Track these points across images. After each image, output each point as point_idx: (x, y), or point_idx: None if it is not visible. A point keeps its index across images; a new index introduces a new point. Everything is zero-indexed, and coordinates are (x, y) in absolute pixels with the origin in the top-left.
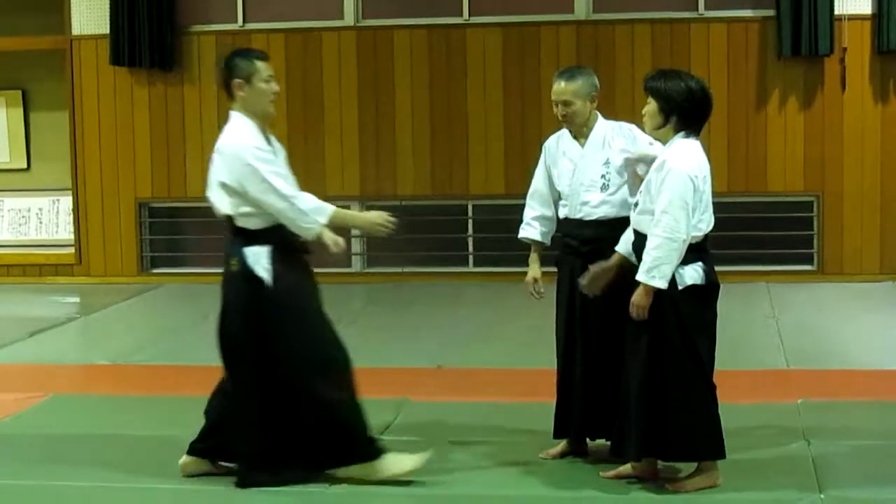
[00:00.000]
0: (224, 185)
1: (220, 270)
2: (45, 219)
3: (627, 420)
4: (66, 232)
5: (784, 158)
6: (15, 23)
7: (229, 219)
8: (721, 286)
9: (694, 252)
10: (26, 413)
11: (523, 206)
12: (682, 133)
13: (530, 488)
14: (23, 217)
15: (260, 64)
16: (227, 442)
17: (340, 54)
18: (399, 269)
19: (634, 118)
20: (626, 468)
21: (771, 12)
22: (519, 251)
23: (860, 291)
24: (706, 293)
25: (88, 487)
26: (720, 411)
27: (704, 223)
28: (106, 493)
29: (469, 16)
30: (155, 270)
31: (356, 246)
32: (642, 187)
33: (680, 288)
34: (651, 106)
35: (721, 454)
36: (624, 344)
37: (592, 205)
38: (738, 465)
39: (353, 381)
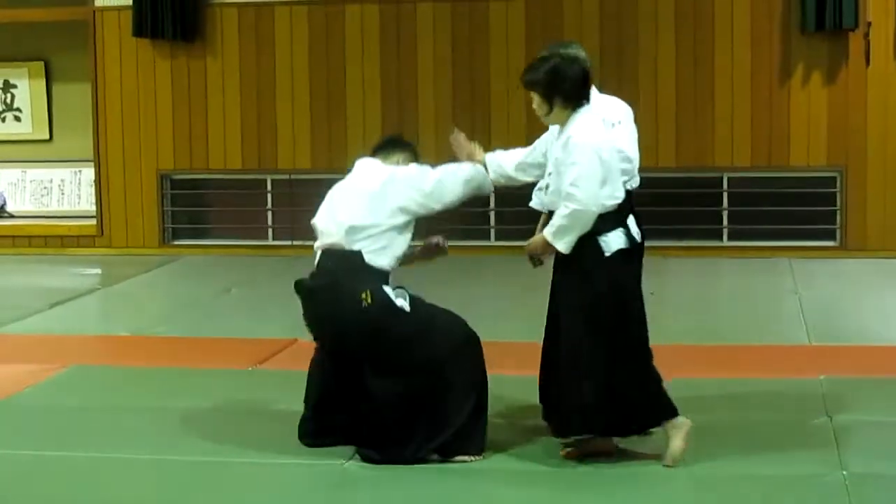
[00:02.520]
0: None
1: (242, 242)
2: (67, 190)
3: (568, 397)
4: (87, 203)
5: (808, 133)
6: None
7: (351, 255)
8: (743, 261)
9: (615, 218)
10: (47, 384)
11: None
12: (575, 109)
13: (540, 463)
14: (45, 188)
15: None
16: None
17: (363, 28)
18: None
19: (657, 88)
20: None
21: None
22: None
23: (883, 267)
24: (630, 256)
25: (108, 459)
26: (737, 387)
27: (621, 191)
28: (126, 465)
29: None
30: (176, 242)
31: None
32: (551, 168)
33: (607, 255)
34: (535, 99)
35: (672, 412)
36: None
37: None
38: (760, 440)
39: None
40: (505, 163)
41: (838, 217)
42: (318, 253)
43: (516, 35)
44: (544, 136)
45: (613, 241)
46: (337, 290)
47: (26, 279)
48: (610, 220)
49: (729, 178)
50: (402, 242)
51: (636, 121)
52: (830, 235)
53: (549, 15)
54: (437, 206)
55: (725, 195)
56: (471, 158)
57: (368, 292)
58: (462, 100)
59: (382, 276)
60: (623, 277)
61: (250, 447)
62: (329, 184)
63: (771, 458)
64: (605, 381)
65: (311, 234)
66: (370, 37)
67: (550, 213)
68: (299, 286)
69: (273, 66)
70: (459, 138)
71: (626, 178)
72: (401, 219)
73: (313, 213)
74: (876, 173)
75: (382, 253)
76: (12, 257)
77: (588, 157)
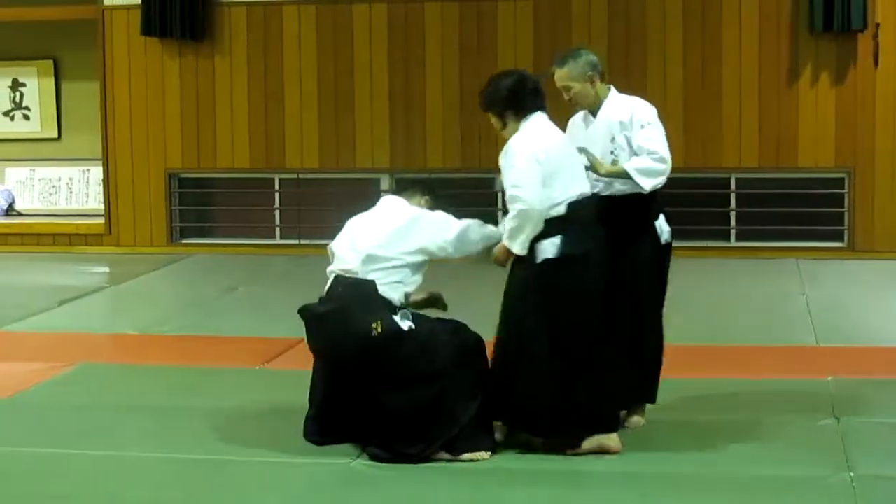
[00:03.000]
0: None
1: (250, 241)
2: (76, 188)
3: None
4: (95, 202)
5: (815, 134)
6: None
7: (365, 283)
8: (750, 261)
9: (555, 226)
10: (54, 381)
11: None
12: (518, 120)
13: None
14: (53, 186)
15: None
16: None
17: (371, 27)
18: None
19: (665, 89)
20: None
21: None
22: None
23: (891, 268)
24: (565, 265)
25: (115, 456)
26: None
27: (561, 193)
28: (133, 463)
29: None
30: (184, 241)
31: None
32: (503, 176)
33: (538, 262)
34: (492, 119)
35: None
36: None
37: (603, 180)
38: (766, 441)
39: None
40: None
41: (846, 218)
42: (331, 278)
43: (524, 34)
44: None
45: (545, 250)
46: (347, 316)
47: (34, 277)
48: (549, 227)
49: (737, 179)
50: (414, 281)
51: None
52: (838, 236)
53: (558, 14)
54: (455, 253)
55: (733, 196)
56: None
57: (380, 322)
58: (470, 100)
59: (391, 308)
60: (551, 286)
61: (257, 446)
62: (336, 183)
63: (777, 459)
64: (520, 384)
65: (318, 234)
66: (378, 36)
67: None
68: (305, 312)
69: (281, 66)
70: None
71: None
72: (419, 258)
73: (321, 212)
74: (884, 174)
75: (395, 287)
76: (20, 255)
77: (523, 159)
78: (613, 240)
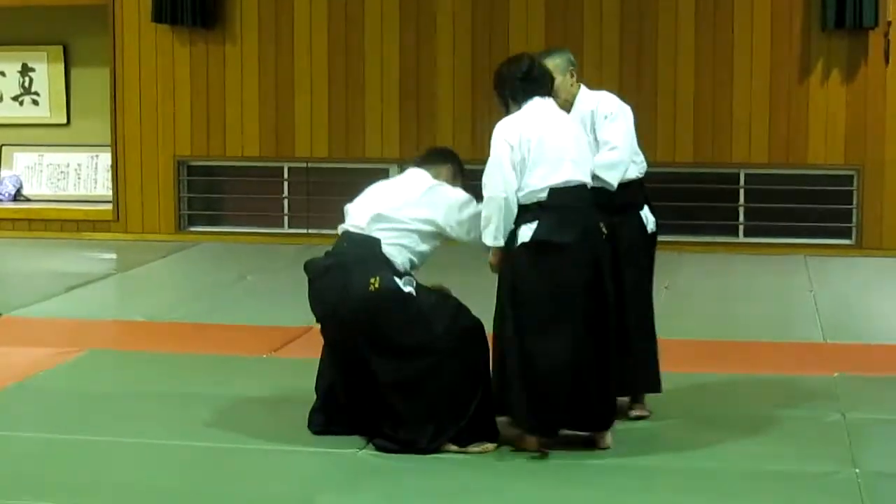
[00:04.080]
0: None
1: (258, 230)
2: (84, 175)
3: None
4: (104, 188)
5: (825, 131)
6: None
7: (370, 240)
8: (758, 258)
9: (532, 212)
10: (62, 367)
11: None
12: (522, 104)
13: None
14: (62, 172)
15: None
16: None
17: (383, 15)
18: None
19: (676, 82)
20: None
21: None
22: None
23: None
24: (540, 250)
25: (122, 443)
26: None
27: (540, 181)
28: (140, 449)
29: None
30: (192, 228)
31: None
32: None
33: (514, 248)
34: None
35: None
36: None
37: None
38: (773, 437)
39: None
40: None
41: (854, 215)
42: (340, 233)
43: (536, 22)
44: None
45: (522, 234)
46: (348, 270)
47: (42, 263)
48: (527, 213)
49: (746, 175)
50: (422, 251)
51: (655, 114)
52: (846, 234)
53: (570, 2)
54: (463, 236)
55: (742, 191)
56: None
57: (378, 278)
58: (482, 88)
59: (393, 269)
60: (529, 271)
61: (264, 434)
62: (345, 172)
63: (784, 455)
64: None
65: (326, 223)
66: (389, 25)
67: None
68: (309, 265)
69: (291, 54)
70: None
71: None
72: (428, 228)
73: (329, 201)
74: (893, 172)
75: (400, 250)
76: (29, 241)
77: (497, 147)
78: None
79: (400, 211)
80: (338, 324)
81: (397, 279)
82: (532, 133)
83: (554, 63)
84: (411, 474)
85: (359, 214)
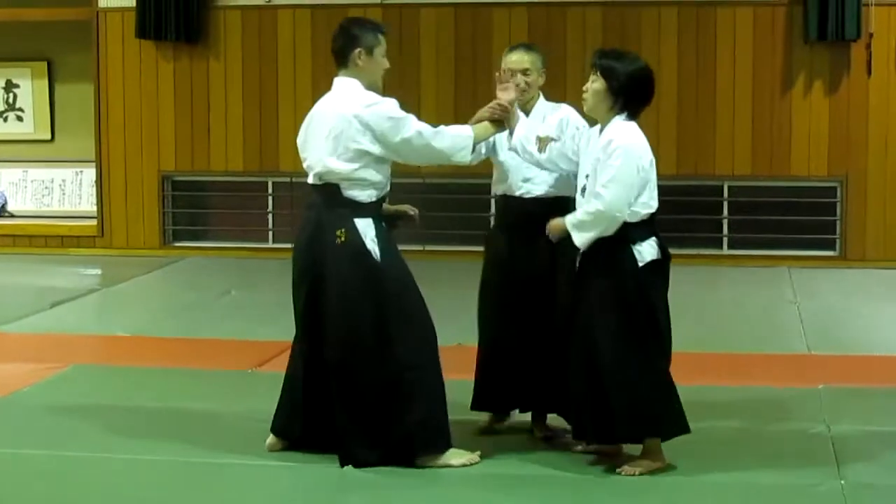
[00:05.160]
0: (359, 151)
1: (243, 244)
2: (69, 190)
3: (587, 402)
4: (88, 204)
5: (808, 143)
6: None
7: (332, 189)
8: (742, 269)
9: (647, 228)
10: (46, 383)
11: None
12: (623, 115)
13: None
14: (46, 188)
15: (382, 38)
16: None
17: None
18: (420, 247)
19: (658, 100)
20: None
21: None
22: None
23: (882, 277)
24: (662, 267)
25: (106, 458)
26: (735, 395)
27: (654, 201)
28: (124, 465)
29: None
30: (177, 243)
31: None
32: (589, 170)
33: (641, 265)
34: (598, 84)
35: (685, 428)
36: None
37: (535, 182)
38: (757, 449)
39: (439, 367)
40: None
41: (838, 227)
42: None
43: (519, 40)
44: (574, 135)
45: (647, 252)
46: (317, 224)
47: (27, 279)
48: (644, 229)
49: (729, 187)
50: (380, 173)
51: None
52: (830, 245)
53: (553, 21)
54: (400, 159)
55: (726, 203)
56: (502, 118)
57: (343, 231)
58: (464, 105)
59: (362, 208)
60: (651, 289)
61: (250, 449)
62: None
63: (769, 467)
64: (617, 389)
65: None
66: None
67: None
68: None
69: (276, 69)
70: (511, 85)
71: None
72: (369, 157)
73: None
74: (876, 183)
75: (360, 187)
76: (13, 257)
77: (625, 163)
78: (539, 239)
79: (338, 163)
80: (309, 275)
81: (363, 229)
82: (651, 158)
83: (534, 57)
84: (396, 490)
85: (309, 167)
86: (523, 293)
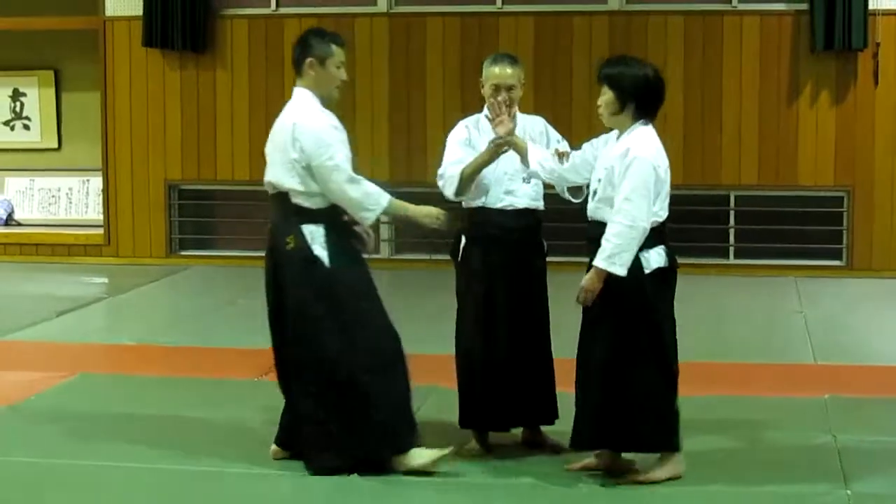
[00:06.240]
0: (294, 161)
1: (249, 254)
2: (75, 199)
3: (584, 410)
4: (95, 212)
5: (815, 153)
6: (49, 3)
7: (283, 196)
8: (748, 279)
9: (656, 236)
10: (53, 391)
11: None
12: (640, 121)
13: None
14: (53, 197)
15: (336, 49)
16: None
17: (373, 41)
18: (427, 257)
19: (665, 109)
20: (591, 460)
21: (804, 6)
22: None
23: (889, 287)
24: (668, 276)
25: (112, 467)
26: (741, 405)
27: (665, 210)
28: (130, 474)
29: (502, 4)
30: (183, 252)
31: (385, 232)
32: (602, 176)
33: (647, 272)
34: (608, 95)
35: (673, 446)
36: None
37: (517, 195)
38: (763, 459)
39: (403, 371)
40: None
41: (844, 237)
42: None
43: (525, 49)
44: (593, 141)
45: (653, 259)
46: (274, 232)
47: (33, 287)
48: (652, 236)
49: (736, 197)
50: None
51: None
52: (836, 255)
53: (561, 29)
54: (316, 184)
55: (732, 213)
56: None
57: (292, 237)
58: (471, 114)
59: (311, 215)
60: (656, 296)
61: (256, 458)
62: None
63: (775, 476)
64: (620, 398)
65: None
66: (379, 49)
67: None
68: None
69: (282, 78)
70: (505, 118)
71: None
72: (306, 168)
73: None
74: (883, 193)
75: (305, 195)
76: (20, 265)
77: (645, 173)
78: (517, 251)
79: (288, 179)
80: (272, 280)
81: (310, 235)
82: (666, 165)
83: (518, 72)
84: (398, 499)
85: (275, 179)
86: (504, 306)
